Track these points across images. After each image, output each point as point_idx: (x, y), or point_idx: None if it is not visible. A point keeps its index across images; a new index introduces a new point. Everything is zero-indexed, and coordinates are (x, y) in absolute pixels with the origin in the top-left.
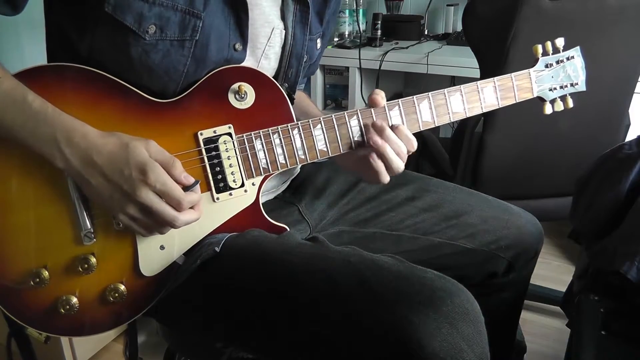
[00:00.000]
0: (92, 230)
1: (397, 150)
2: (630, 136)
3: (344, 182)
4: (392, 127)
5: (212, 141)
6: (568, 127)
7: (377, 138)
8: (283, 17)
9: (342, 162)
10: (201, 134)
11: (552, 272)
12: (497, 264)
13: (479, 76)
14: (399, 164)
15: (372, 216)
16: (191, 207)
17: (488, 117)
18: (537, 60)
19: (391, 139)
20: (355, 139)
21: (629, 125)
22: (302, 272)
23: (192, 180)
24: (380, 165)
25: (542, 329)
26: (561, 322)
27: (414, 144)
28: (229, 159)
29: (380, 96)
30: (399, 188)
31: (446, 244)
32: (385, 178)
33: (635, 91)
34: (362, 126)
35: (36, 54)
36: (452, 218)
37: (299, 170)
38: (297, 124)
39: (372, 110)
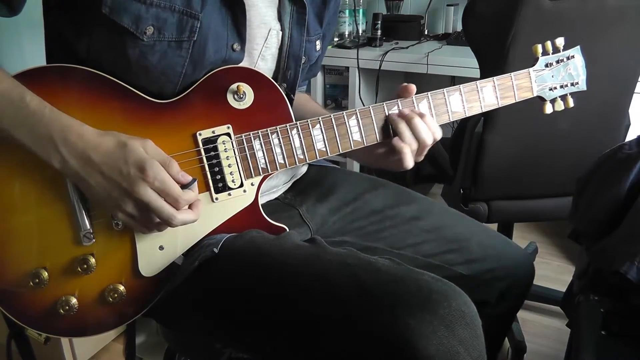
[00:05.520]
0: (91, 231)
1: (424, 140)
2: (630, 136)
3: (349, 191)
4: (420, 116)
5: (210, 141)
6: (568, 127)
7: (406, 129)
8: (280, 19)
9: (362, 157)
10: (200, 134)
11: (552, 272)
12: (488, 293)
13: (479, 76)
14: (423, 153)
15: (375, 230)
16: (190, 208)
17: (488, 117)
18: (536, 59)
19: (419, 127)
20: (354, 138)
21: (629, 125)
22: (299, 274)
23: (189, 178)
24: (406, 149)
25: (542, 329)
26: (561, 322)
27: (440, 134)
28: (227, 159)
29: (412, 87)
30: (404, 206)
31: (443, 267)
32: (410, 162)
33: (635, 91)
34: (362, 125)
35: (36, 54)
36: (452, 242)
37: (304, 173)
38: (296, 124)
39: (371, 109)
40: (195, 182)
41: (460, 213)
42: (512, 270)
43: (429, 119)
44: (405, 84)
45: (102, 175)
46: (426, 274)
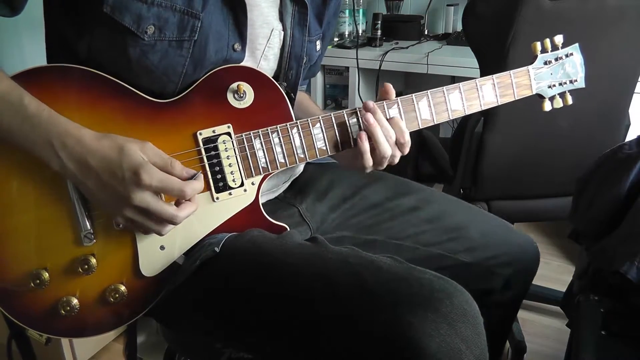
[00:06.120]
0: (92, 231)
1: (387, 135)
2: (630, 136)
3: (348, 186)
4: (387, 118)
5: (211, 141)
6: (568, 127)
7: (370, 116)
8: (282, 19)
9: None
10: (200, 134)
11: (552, 272)
12: (493, 281)
13: (479, 76)
14: (386, 149)
15: (374, 223)
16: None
17: (488, 117)
18: (535, 57)
19: (382, 123)
20: (355, 137)
21: (629, 125)
22: (300, 274)
23: (192, 172)
24: (366, 146)
25: (542, 329)
26: (561, 322)
27: (406, 136)
28: (228, 158)
29: (392, 89)
30: (403, 197)
31: (445, 256)
32: (368, 163)
33: (635, 91)
34: (360, 121)
35: (36, 54)
36: (453, 230)
37: (302, 171)
38: (296, 123)
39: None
40: (201, 175)
41: (462, 201)
42: (516, 256)
43: (397, 120)
44: (387, 83)
45: (100, 179)
46: (428, 272)
